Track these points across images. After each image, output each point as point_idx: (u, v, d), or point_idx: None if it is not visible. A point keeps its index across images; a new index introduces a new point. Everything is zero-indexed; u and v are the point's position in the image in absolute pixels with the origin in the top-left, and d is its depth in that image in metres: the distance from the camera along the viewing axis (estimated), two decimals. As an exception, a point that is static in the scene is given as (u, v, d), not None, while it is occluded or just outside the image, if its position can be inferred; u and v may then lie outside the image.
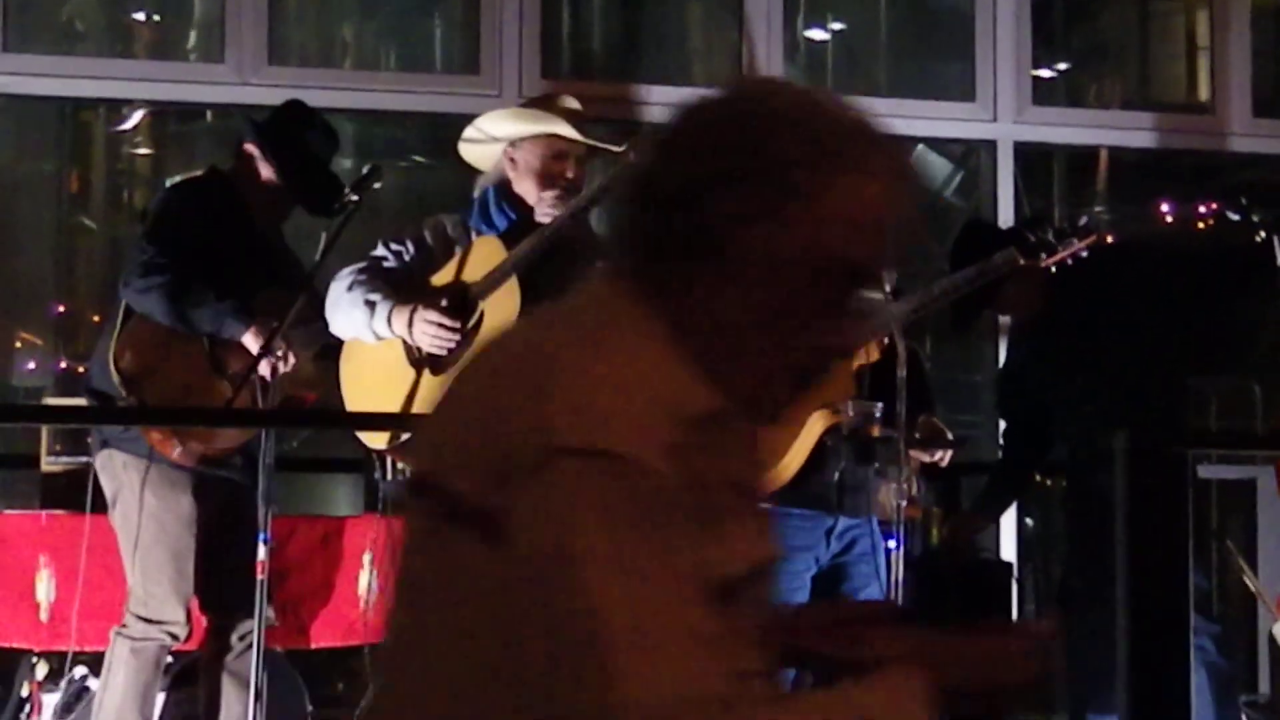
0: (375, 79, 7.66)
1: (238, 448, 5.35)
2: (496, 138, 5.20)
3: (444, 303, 4.96)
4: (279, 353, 5.05)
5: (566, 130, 5.10)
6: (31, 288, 8.21)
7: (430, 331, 4.92)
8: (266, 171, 5.50)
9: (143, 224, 5.62)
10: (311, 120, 5.62)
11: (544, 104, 5.27)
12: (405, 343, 5.03)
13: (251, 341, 5.24)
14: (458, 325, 4.93)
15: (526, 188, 5.14)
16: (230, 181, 5.56)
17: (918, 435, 4.96)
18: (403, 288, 5.04)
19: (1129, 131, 7.94)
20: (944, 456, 5.12)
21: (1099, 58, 8.91)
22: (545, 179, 5.11)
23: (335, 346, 5.26)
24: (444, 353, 4.94)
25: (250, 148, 5.53)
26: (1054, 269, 4.96)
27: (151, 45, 8.07)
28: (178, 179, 7.60)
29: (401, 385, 5.00)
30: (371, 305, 5.01)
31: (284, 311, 5.08)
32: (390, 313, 4.97)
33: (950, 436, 5.13)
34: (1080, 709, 6.11)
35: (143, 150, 8.69)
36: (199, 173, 5.85)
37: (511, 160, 5.18)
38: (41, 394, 7.78)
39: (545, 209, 4.95)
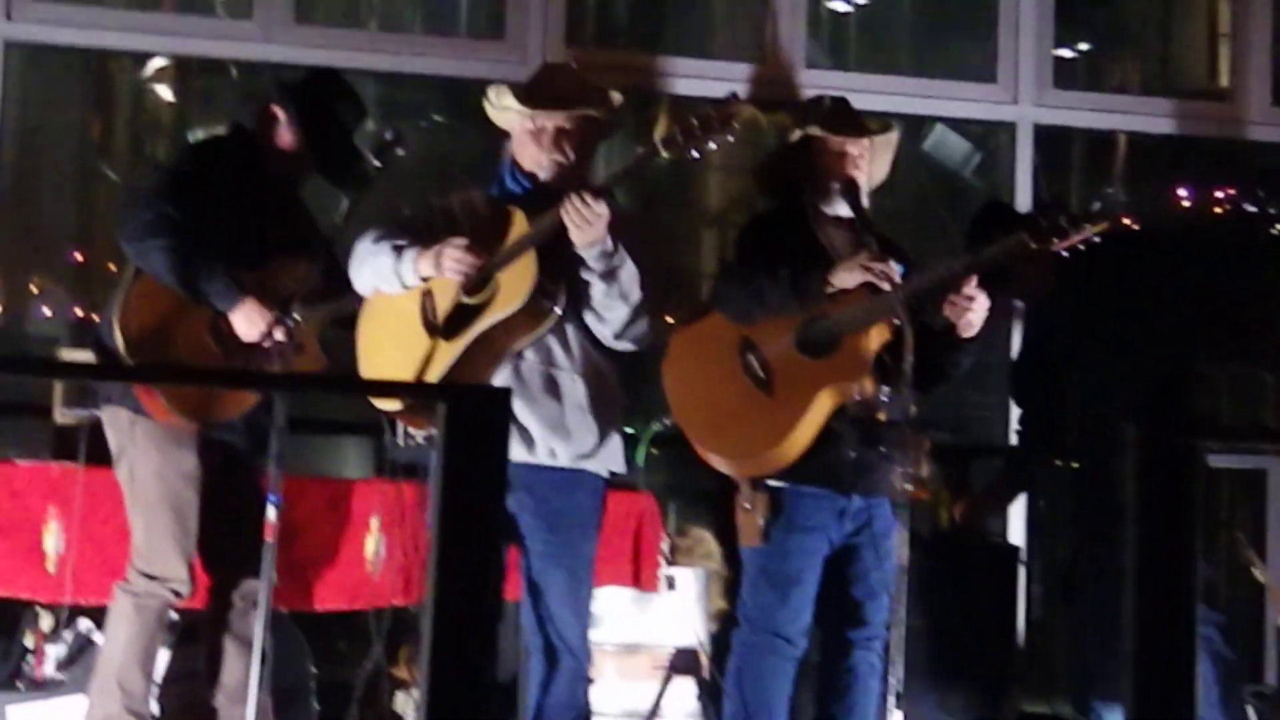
0: (400, 41, 7.66)
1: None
2: (495, 108, 5.26)
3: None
4: (286, 325, 5.04)
5: (511, 102, 5.15)
6: (51, 235, 8.22)
7: (455, 256, 4.94)
8: (289, 136, 5.50)
9: (155, 177, 5.61)
10: (342, 91, 5.62)
11: (534, 79, 5.34)
12: (423, 308, 5.06)
13: (240, 321, 5.25)
14: (483, 255, 4.95)
15: (525, 160, 5.18)
16: (252, 142, 5.56)
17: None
18: (428, 241, 5.07)
19: (1148, 117, 7.92)
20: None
21: (1120, 40, 8.90)
22: (530, 155, 5.15)
23: (350, 318, 5.28)
24: (463, 279, 4.95)
25: (275, 110, 5.53)
26: (1066, 253, 4.95)
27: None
28: (201, 136, 7.64)
29: (416, 351, 5.02)
30: (399, 250, 5.04)
31: (298, 281, 5.08)
32: (417, 255, 5.01)
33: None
34: (1085, 696, 6.13)
35: (166, 102, 8.69)
36: (222, 131, 5.84)
37: (513, 136, 5.24)
38: (56, 343, 7.79)
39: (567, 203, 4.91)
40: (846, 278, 5.12)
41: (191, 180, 5.36)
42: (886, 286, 5.02)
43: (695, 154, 4.80)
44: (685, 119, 4.77)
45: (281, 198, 5.52)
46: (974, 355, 5.24)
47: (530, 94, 5.18)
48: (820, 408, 5.11)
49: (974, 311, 5.05)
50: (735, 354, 5.29)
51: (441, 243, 4.99)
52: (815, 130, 5.36)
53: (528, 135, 5.15)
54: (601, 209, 4.82)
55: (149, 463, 5.32)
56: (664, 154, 4.81)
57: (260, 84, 5.68)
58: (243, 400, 5.32)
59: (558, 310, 4.93)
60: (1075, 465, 6.31)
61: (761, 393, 5.23)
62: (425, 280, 5.04)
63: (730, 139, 4.77)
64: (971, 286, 5.01)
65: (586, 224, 4.83)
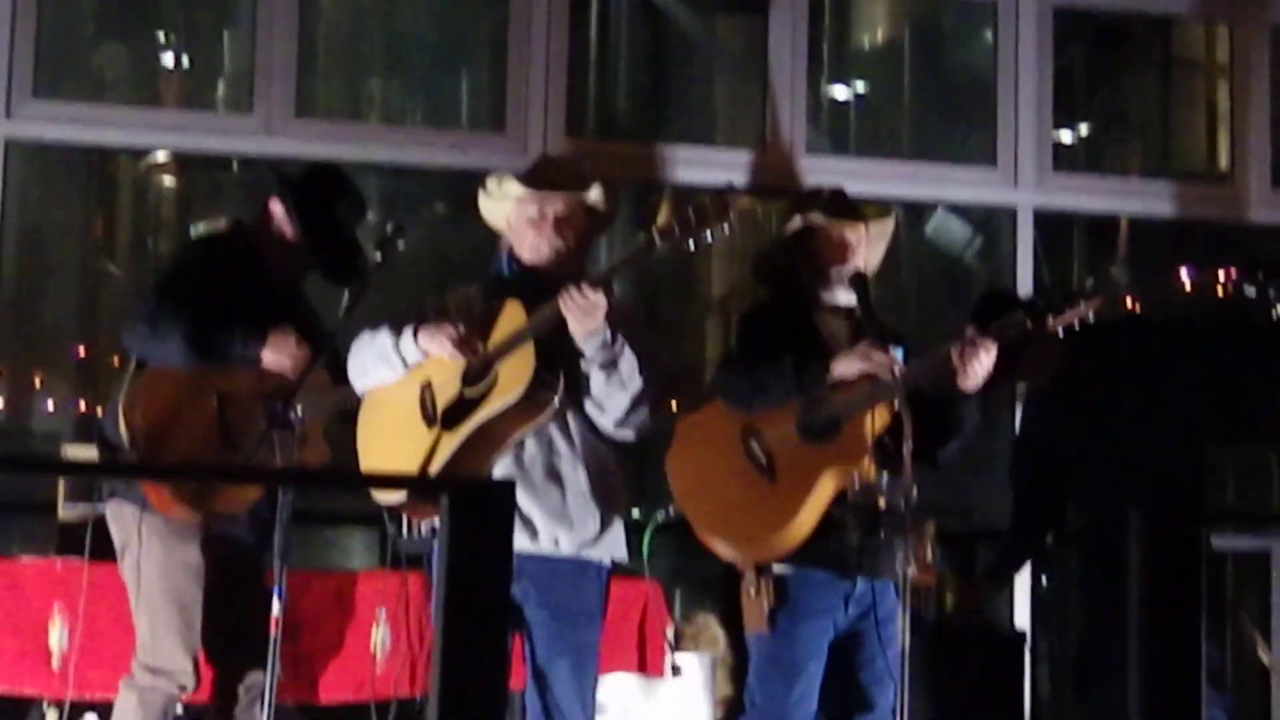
0: (401, 134, 7.70)
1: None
2: (494, 198, 5.27)
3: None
4: (290, 416, 5.06)
5: (512, 187, 5.17)
6: (53, 331, 8.25)
7: (449, 334, 4.96)
8: (289, 231, 5.53)
9: (157, 275, 5.64)
10: (343, 188, 5.64)
11: (533, 168, 5.35)
12: (422, 400, 5.06)
13: (272, 357, 5.27)
14: (476, 342, 4.97)
15: (523, 250, 5.19)
16: (252, 237, 5.59)
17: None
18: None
19: (1149, 200, 7.95)
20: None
21: (1120, 124, 8.93)
22: (528, 243, 5.16)
23: (353, 411, 5.28)
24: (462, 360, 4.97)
25: (275, 205, 5.55)
26: (1064, 333, 4.98)
27: (180, 95, 8.12)
28: (201, 231, 7.67)
29: (418, 444, 5.02)
30: (399, 330, 5.05)
31: (301, 374, 5.10)
32: (416, 330, 5.02)
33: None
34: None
35: (167, 197, 8.73)
36: (222, 225, 5.88)
37: (509, 225, 5.25)
38: (59, 438, 7.80)
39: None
40: (848, 367, 5.14)
41: (192, 276, 5.40)
42: (887, 376, 5.03)
43: (692, 245, 4.83)
44: (682, 211, 4.80)
45: (283, 292, 5.54)
46: (977, 414, 5.24)
47: (530, 179, 5.21)
48: (823, 492, 5.11)
49: (980, 361, 5.04)
50: (738, 441, 5.29)
51: (446, 322, 5.01)
52: (815, 218, 5.38)
53: (526, 223, 5.16)
54: (600, 300, 4.83)
55: (153, 557, 5.33)
56: (660, 246, 4.84)
57: (262, 178, 5.69)
58: (248, 493, 5.33)
59: (556, 401, 4.94)
60: (1078, 549, 6.31)
61: (765, 479, 5.23)
62: (427, 355, 5.05)
63: (727, 230, 4.80)
64: (982, 339, 5.03)
65: (585, 315, 4.84)
